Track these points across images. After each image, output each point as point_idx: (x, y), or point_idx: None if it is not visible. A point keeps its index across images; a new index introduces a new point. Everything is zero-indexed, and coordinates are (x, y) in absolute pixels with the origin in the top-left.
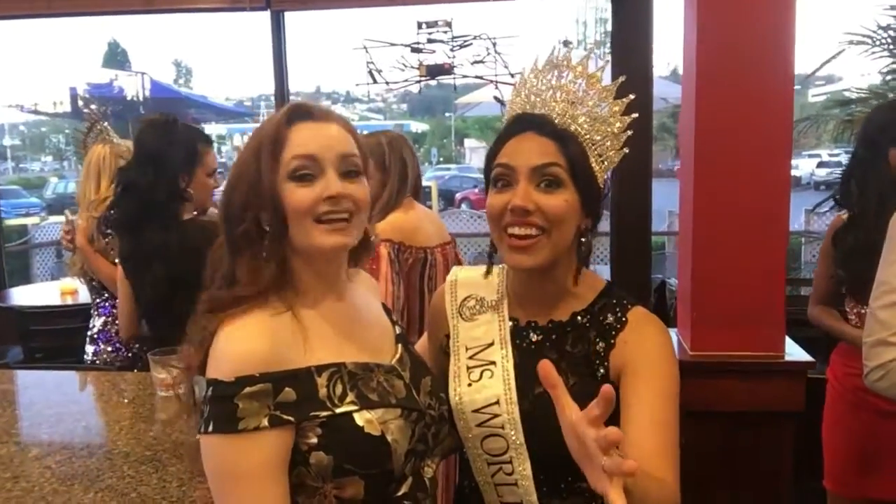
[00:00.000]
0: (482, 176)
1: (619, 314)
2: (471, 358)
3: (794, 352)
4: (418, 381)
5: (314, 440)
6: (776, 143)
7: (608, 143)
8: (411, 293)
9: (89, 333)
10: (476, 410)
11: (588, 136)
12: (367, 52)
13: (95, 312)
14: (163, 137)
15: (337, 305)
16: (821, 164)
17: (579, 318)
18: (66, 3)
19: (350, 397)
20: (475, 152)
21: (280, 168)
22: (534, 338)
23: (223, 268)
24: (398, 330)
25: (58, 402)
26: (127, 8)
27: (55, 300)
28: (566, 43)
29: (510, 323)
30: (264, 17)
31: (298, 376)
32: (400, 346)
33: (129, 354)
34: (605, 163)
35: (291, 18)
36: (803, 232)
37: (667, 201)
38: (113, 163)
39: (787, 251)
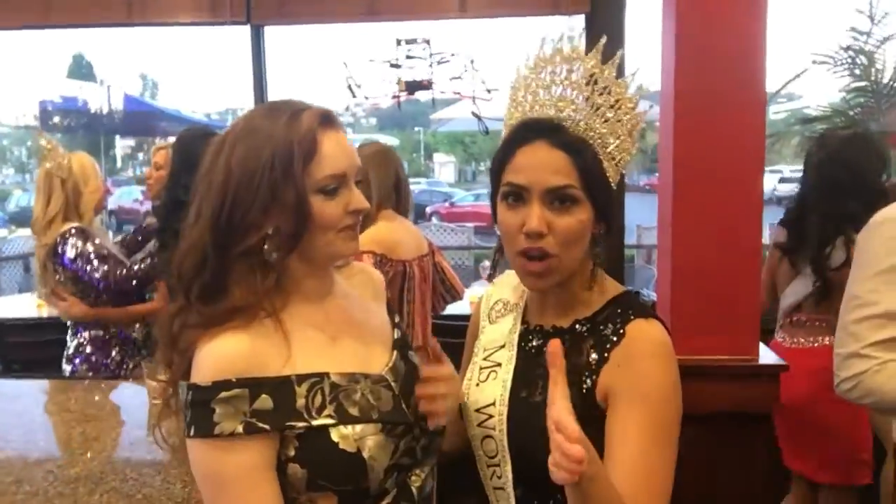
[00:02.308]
0: (451, 190)
1: (618, 325)
2: (485, 359)
3: (768, 355)
4: (410, 392)
5: (291, 452)
6: (750, 159)
7: (620, 143)
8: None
9: (66, 353)
10: (477, 410)
11: (601, 140)
12: (346, 67)
13: (71, 332)
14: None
15: (328, 309)
16: (783, 180)
17: (578, 326)
18: (40, 16)
19: (328, 410)
20: (444, 167)
21: (310, 180)
22: (535, 342)
23: (202, 277)
24: (397, 334)
25: (51, 411)
26: (106, 21)
27: (31, 312)
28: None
29: (522, 326)
30: (243, 31)
31: (277, 384)
32: (395, 353)
33: (112, 369)
34: (620, 163)
35: (270, 32)
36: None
37: (636, 216)
38: (48, 180)
39: (761, 256)
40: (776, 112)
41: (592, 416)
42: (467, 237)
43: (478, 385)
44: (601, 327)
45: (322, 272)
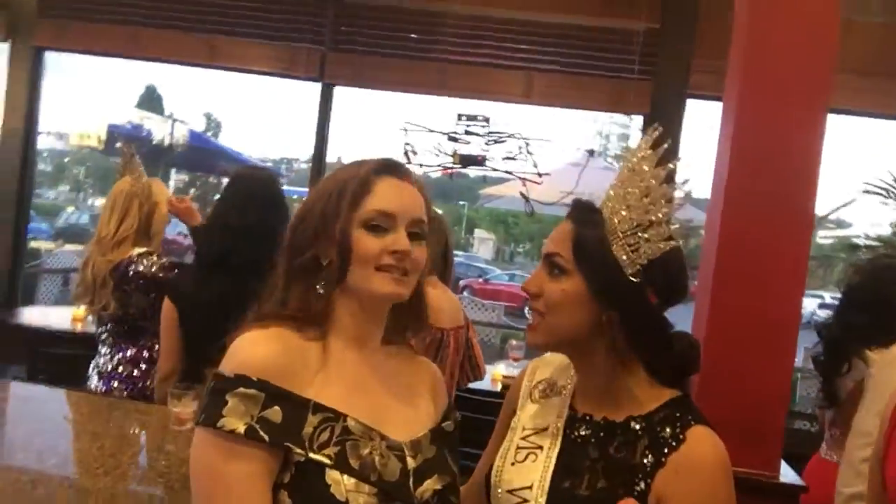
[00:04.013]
0: (487, 267)
1: (677, 430)
2: (524, 438)
3: (789, 474)
4: (426, 475)
5: (286, 479)
6: (792, 276)
7: (643, 233)
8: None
9: (99, 369)
10: (510, 491)
11: (619, 223)
12: (406, 133)
13: (107, 349)
14: (277, 185)
15: (367, 358)
16: (822, 306)
17: (633, 423)
18: (126, 46)
19: (329, 450)
20: (483, 243)
21: (357, 214)
22: (583, 431)
23: (277, 292)
24: (447, 426)
25: (75, 420)
26: (188, 60)
27: (65, 324)
28: (591, 152)
29: (569, 412)
30: (314, 86)
31: (294, 401)
32: (428, 434)
33: (145, 394)
34: (640, 253)
35: (339, 91)
36: (800, 368)
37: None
38: (127, 200)
39: (792, 372)
40: (823, 237)
41: None
42: (497, 315)
43: (513, 465)
44: (657, 428)
45: (369, 319)
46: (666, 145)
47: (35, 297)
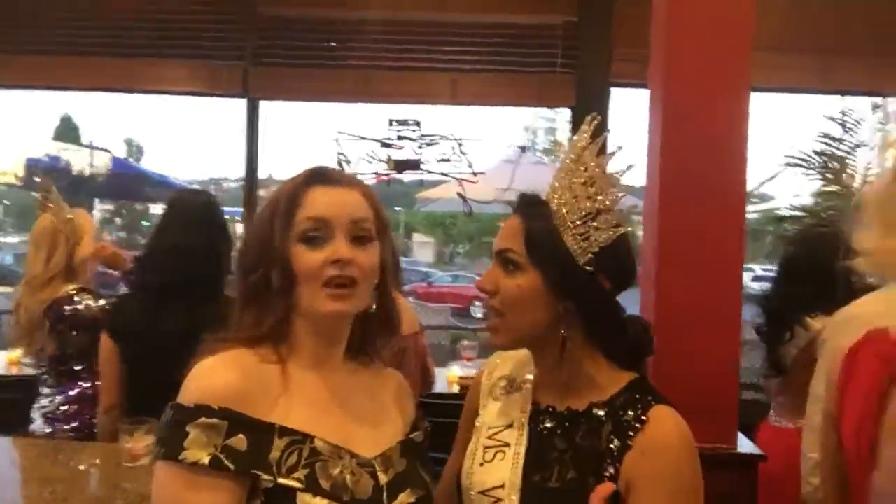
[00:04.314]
0: (430, 270)
1: (639, 411)
2: (490, 437)
3: (746, 444)
4: (399, 489)
5: None
6: (730, 257)
7: (592, 222)
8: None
9: (43, 411)
10: (482, 492)
11: (566, 211)
12: (338, 143)
13: (49, 390)
14: (219, 208)
15: (329, 377)
16: (755, 279)
17: (595, 409)
18: (33, 77)
19: (298, 473)
20: (423, 247)
21: (292, 229)
22: (548, 423)
23: (235, 316)
24: (416, 437)
25: (22, 467)
26: (103, 86)
27: (0, 369)
28: (522, 148)
29: (532, 406)
30: (238, 102)
31: (257, 427)
32: (398, 447)
33: (93, 431)
34: (590, 242)
35: (266, 105)
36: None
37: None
38: (51, 237)
39: (739, 346)
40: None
41: None
42: (445, 317)
43: (482, 465)
44: (620, 412)
45: (326, 339)
46: (606, 134)
47: None
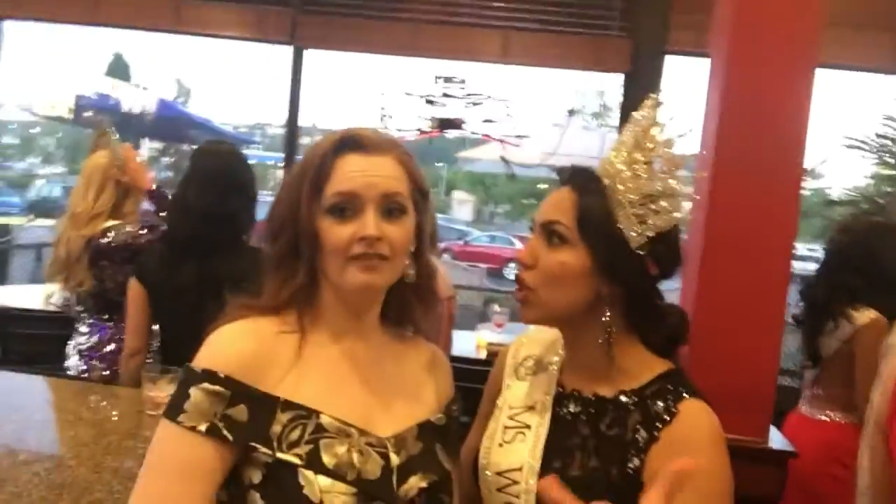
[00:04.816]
0: (467, 228)
1: (669, 403)
2: (510, 418)
3: (778, 439)
4: (411, 473)
5: (256, 479)
6: (780, 243)
7: (652, 204)
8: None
9: (79, 348)
10: (499, 473)
11: (623, 190)
12: (382, 97)
13: (87, 328)
14: (241, 163)
15: (354, 349)
16: (799, 258)
17: (624, 398)
18: (89, 14)
19: (299, 449)
20: (462, 205)
21: (320, 200)
22: (572, 408)
23: (265, 280)
24: (438, 420)
25: (47, 409)
26: (155, 26)
27: (37, 303)
28: (571, 112)
29: (557, 389)
30: (285, 50)
31: (261, 400)
32: (416, 429)
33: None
34: (646, 226)
35: (312, 55)
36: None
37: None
38: (104, 176)
39: (782, 335)
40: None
41: (634, 499)
42: (479, 278)
43: (501, 446)
44: (649, 403)
45: (352, 311)
46: (671, 114)
47: (7, 274)
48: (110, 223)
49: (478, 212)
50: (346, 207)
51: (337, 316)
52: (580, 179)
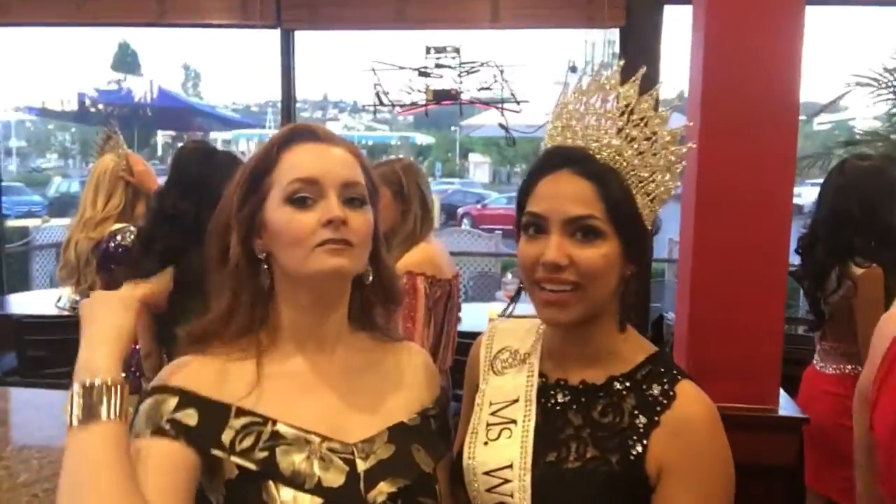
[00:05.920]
0: (485, 192)
1: (666, 386)
2: (493, 414)
3: (788, 406)
4: (379, 478)
5: (219, 499)
6: (779, 186)
7: (658, 178)
8: (434, 329)
9: None
10: (487, 473)
11: (634, 173)
12: (375, 74)
13: None
14: (207, 164)
15: (318, 357)
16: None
17: (617, 383)
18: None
19: (256, 455)
20: (479, 167)
21: (272, 192)
22: (560, 398)
23: (212, 302)
24: (412, 420)
25: (50, 425)
26: (136, 21)
27: (53, 309)
28: (573, 68)
29: (540, 379)
30: (274, 34)
31: (211, 405)
32: (386, 433)
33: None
34: (655, 200)
35: (301, 35)
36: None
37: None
38: (112, 179)
39: (786, 295)
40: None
41: (638, 487)
42: (495, 244)
43: (486, 444)
44: (644, 387)
45: (319, 311)
46: (657, 87)
47: (29, 276)
48: (117, 226)
49: (495, 172)
50: (307, 195)
51: (297, 325)
52: (593, 168)
